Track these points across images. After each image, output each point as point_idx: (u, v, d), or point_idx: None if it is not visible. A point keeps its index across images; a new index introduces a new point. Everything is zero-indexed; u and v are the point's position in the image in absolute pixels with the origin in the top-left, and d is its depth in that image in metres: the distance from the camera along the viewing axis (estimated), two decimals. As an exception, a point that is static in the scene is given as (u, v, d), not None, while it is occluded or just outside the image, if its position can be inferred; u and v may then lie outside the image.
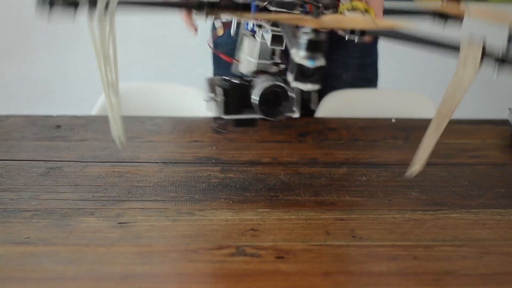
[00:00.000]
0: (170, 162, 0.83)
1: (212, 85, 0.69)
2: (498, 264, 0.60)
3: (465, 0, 0.85)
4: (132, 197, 0.72)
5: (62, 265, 0.59)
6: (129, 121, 0.99)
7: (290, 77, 0.63)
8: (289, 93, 0.66)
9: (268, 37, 0.69)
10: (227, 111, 0.68)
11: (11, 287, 0.56)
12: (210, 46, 0.76)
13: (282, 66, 0.70)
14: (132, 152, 0.86)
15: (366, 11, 0.65)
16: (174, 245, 0.62)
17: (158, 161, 0.83)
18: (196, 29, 0.76)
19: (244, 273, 0.58)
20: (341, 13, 0.66)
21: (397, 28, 0.62)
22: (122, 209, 0.69)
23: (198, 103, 1.18)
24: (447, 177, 0.80)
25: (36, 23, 1.88)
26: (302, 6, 0.66)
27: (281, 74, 0.68)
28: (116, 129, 0.64)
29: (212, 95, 0.68)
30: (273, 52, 0.72)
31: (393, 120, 1.01)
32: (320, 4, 0.66)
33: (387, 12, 0.74)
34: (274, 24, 0.66)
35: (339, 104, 1.15)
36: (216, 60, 1.17)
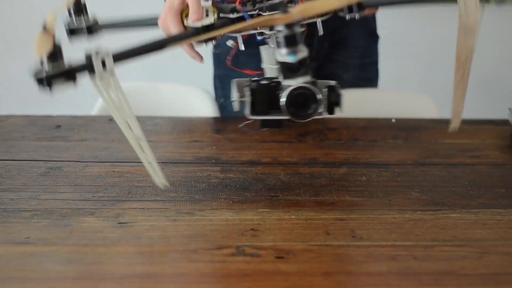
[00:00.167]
0: (170, 162, 0.83)
1: (240, 86, 0.70)
2: (498, 264, 0.60)
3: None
4: (132, 197, 0.72)
5: (62, 265, 0.59)
6: (129, 121, 0.99)
7: (280, 77, 0.64)
8: (317, 95, 0.66)
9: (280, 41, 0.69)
10: (254, 111, 0.69)
11: (11, 287, 0.56)
12: (232, 67, 0.77)
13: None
14: (132, 152, 0.86)
15: None
16: (174, 245, 0.62)
17: (158, 161, 0.82)
18: (201, 56, 0.77)
19: (244, 273, 0.58)
20: None
21: None
22: (122, 209, 0.69)
23: (198, 103, 1.18)
24: (447, 177, 0.80)
25: (36, 23, 1.88)
26: (292, 1, 0.66)
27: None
28: (158, 177, 0.66)
29: (240, 95, 0.69)
30: None
31: (393, 120, 1.01)
32: None
33: None
34: (273, 28, 0.67)
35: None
36: (217, 60, 1.17)
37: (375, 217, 0.68)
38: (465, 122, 1.01)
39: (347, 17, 0.65)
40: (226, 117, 1.11)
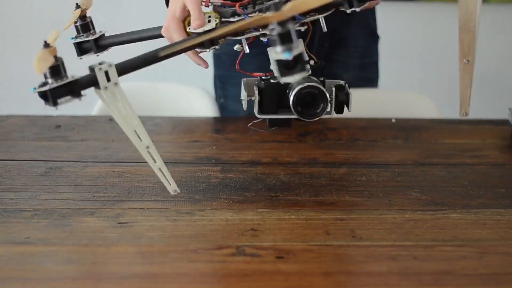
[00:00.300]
0: (170, 162, 0.82)
1: (249, 85, 0.70)
2: (498, 264, 0.60)
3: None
4: (132, 197, 0.72)
5: (62, 265, 0.59)
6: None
7: (277, 75, 0.64)
8: (325, 94, 0.66)
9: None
10: (262, 110, 0.69)
11: (11, 287, 0.56)
12: (242, 71, 0.77)
13: (312, 63, 0.70)
14: (132, 152, 0.86)
15: None
16: (174, 245, 0.62)
17: (158, 161, 0.83)
18: (206, 63, 0.78)
19: (244, 273, 0.58)
20: None
21: None
22: (122, 209, 0.69)
23: (198, 103, 1.18)
24: (447, 177, 0.80)
25: (36, 23, 1.88)
26: (290, 0, 0.66)
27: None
28: (169, 184, 0.67)
29: (249, 94, 0.69)
30: None
31: (393, 120, 1.01)
32: None
33: None
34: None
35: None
36: (217, 60, 1.17)
37: (375, 217, 0.68)
38: (465, 122, 1.02)
39: (348, 11, 0.65)
40: (226, 117, 1.11)
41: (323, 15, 0.68)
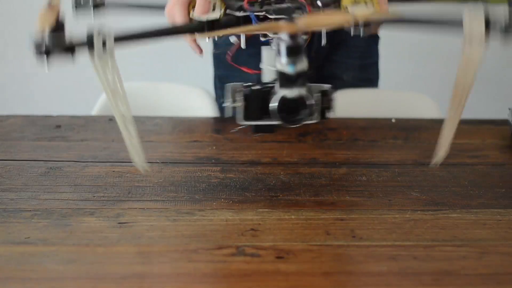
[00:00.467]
0: (170, 162, 0.83)
1: (233, 91, 0.70)
2: (498, 264, 0.60)
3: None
4: (132, 197, 0.72)
5: (62, 265, 0.59)
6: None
7: (276, 85, 0.64)
8: (308, 100, 0.66)
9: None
10: (246, 117, 0.69)
11: (11, 287, 0.56)
12: (232, 63, 0.77)
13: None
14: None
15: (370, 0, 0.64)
16: (174, 245, 0.62)
17: (158, 161, 0.83)
18: (201, 49, 0.77)
19: (244, 273, 0.58)
20: (344, 7, 0.66)
21: (377, 18, 0.61)
22: (122, 209, 0.69)
23: (199, 103, 1.18)
24: (447, 177, 0.80)
25: (36, 23, 1.88)
26: (300, 8, 0.66)
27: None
28: (138, 157, 0.65)
29: (233, 100, 0.69)
30: None
31: (393, 120, 1.01)
32: (319, 2, 0.66)
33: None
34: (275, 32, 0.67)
35: (339, 104, 1.15)
36: (217, 60, 1.17)
37: (375, 217, 0.68)
38: (465, 122, 1.01)
39: (352, 32, 0.65)
40: (226, 117, 1.11)
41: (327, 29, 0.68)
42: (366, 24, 0.63)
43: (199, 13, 0.68)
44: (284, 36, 0.59)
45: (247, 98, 0.67)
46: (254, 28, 0.63)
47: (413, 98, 1.22)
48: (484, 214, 0.70)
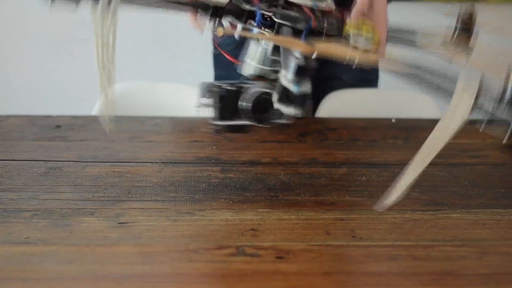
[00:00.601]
0: (170, 162, 0.83)
1: (205, 91, 0.70)
2: (498, 264, 0.60)
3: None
4: (132, 197, 0.72)
5: (62, 265, 0.59)
6: (129, 121, 0.99)
7: (275, 97, 0.64)
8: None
9: (270, 45, 0.69)
10: (219, 117, 0.69)
11: (11, 287, 0.56)
12: (217, 46, 0.76)
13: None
14: (132, 152, 0.86)
15: (372, 32, 0.65)
16: (174, 245, 0.62)
17: (158, 161, 0.83)
18: (202, 28, 0.76)
19: (244, 273, 0.58)
20: (346, 32, 0.66)
21: (385, 61, 0.62)
22: (122, 209, 0.69)
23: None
24: (447, 177, 0.80)
25: (36, 23, 1.88)
26: (306, 21, 0.66)
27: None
28: (107, 113, 0.65)
29: (205, 100, 0.69)
30: (274, 60, 0.72)
31: (393, 120, 1.01)
32: (325, 20, 0.66)
33: (391, 38, 0.74)
34: (278, 33, 0.67)
35: (339, 104, 1.15)
36: (217, 60, 1.17)
37: (375, 217, 0.68)
38: (465, 122, 1.01)
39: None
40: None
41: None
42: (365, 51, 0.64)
43: None
44: (299, 54, 0.59)
45: (219, 98, 0.67)
46: (270, 37, 0.63)
47: (413, 98, 1.22)
48: (484, 214, 0.70)
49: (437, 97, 0.62)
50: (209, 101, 0.68)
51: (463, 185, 0.77)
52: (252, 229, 0.65)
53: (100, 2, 0.60)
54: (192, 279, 0.57)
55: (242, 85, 0.68)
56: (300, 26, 0.65)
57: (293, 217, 0.68)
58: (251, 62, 0.72)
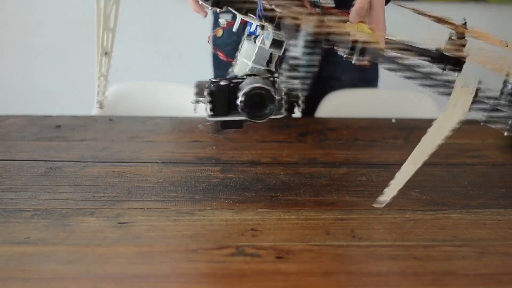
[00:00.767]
0: (170, 162, 0.83)
1: (200, 88, 0.70)
2: (498, 264, 0.60)
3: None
4: (132, 197, 0.72)
5: (62, 265, 0.59)
6: (129, 121, 0.99)
7: (283, 71, 0.64)
8: (274, 95, 0.66)
9: (268, 41, 0.69)
10: (213, 113, 0.69)
11: (11, 287, 0.56)
12: (211, 45, 0.76)
13: (276, 75, 0.71)
14: (132, 152, 0.86)
15: (370, 35, 0.65)
16: (174, 245, 0.62)
17: (158, 161, 0.83)
18: (205, 12, 0.76)
19: (244, 273, 0.58)
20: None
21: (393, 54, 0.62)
22: (122, 209, 0.69)
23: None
24: (447, 177, 0.80)
25: (36, 23, 1.88)
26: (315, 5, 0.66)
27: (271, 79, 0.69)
28: (100, 95, 0.64)
29: (199, 97, 0.69)
30: (269, 60, 0.72)
31: (393, 120, 1.01)
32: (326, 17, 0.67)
33: (388, 44, 0.74)
34: (277, 27, 0.67)
35: (339, 104, 1.15)
36: (216, 60, 1.17)
37: (375, 217, 0.68)
38: (465, 122, 1.01)
39: (344, 56, 0.65)
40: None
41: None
42: (363, 52, 0.64)
43: None
44: (307, 30, 0.59)
45: (214, 94, 0.67)
46: (281, 11, 0.63)
47: (413, 98, 1.22)
48: (484, 214, 0.70)
49: (435, 92, 0.62)
50: (204, 97, 0.68)
51: (463, 185, 0.77)
52: (252, 229, 0.65)
53: None
54: (192, 279, 0.57)
55: (236, 80, 0.68)
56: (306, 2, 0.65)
57: (293, 217, 0.68)
58: (246, 61, 0.72)
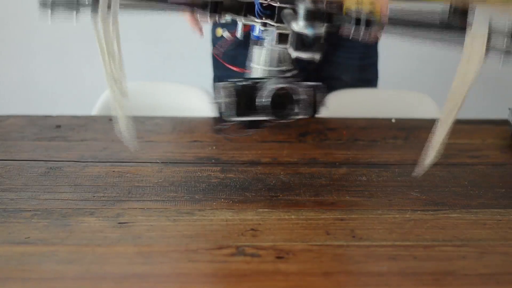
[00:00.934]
0: (170, 162, 0.83)
1: (220, 88, 0.70)
2: (498, 264, 0.60)
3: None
4: (132, 197, 0.72)
5: (62, 265, 0.59)
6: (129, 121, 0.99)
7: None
8: (298, 95, 0.66)
9: (274, 38, 0.69)
10: (234, 113, 0.68)
11: (11, 287, 0.56)
12: (217, 57, 0.76)
13: (292, 72, 0.70)
14: (132, 152, 0.86)
15: (372, 7, 0.64)
16: (174, 245, 0.62)
17: (158, 161, 0.83)
18: (201, 29, 0.76)
19: (244, 273, 0.58)
20: (347, 9, 0.66)
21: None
22: (122, 209, 0.69)
23: (199, 103, 1.18)
24: (447, 177, 0.80)
25: (36, 23, 1.88)
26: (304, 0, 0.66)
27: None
28: (127, 132, 0.64)
29: (220, 98, 0.69)
30: (280, 60, 0.72)
31: (393, 120, 1.01)
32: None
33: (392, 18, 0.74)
34: (279, 20, 0.66)
35: (339, 104, 1.15)
36: (216, 60, 1.17)
37: (375, 217, 0.68)
38: (465, 122, 1.01)
39: (351, 35, 0.64)
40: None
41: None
42: (368, 24, 0.63)
43: None
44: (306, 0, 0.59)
45: (235, 94, 0.67)
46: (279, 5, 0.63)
47: (413, 98, 1.22)
48: (484, 214, 0.70)
49: (444, 47, 0.61)
50: (225, 98, 0.68)
51: (463, 185, 0.77)
52: (252, 229, 0.65)
53: (100, 10, 0.60)
54: (192, 279, 0.57)
55: (257, 80, 0.68)
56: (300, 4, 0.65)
57: (293, 217, 0.68)
58: (258, 66, 0.71)
